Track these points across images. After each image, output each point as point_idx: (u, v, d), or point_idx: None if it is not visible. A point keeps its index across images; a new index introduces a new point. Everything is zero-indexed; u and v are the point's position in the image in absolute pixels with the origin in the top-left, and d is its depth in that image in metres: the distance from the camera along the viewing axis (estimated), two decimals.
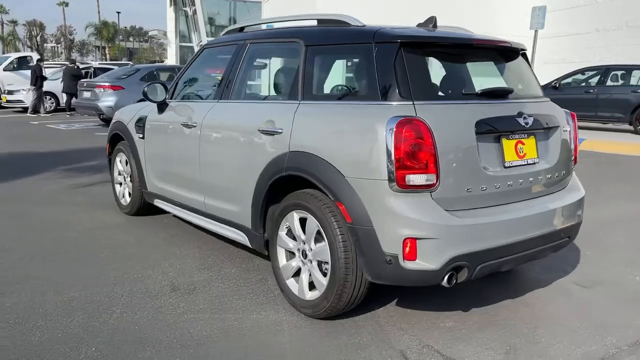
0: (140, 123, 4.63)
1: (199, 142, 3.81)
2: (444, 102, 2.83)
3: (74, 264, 3.80)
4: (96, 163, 7.91)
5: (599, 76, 12.83)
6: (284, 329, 2.89)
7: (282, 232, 3.15)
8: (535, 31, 12.42)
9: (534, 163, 3.01)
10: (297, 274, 3.11)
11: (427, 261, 2.57)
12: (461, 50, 3.12)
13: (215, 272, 3.69)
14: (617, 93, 12.30)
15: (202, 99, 4.21)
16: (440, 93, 3.02)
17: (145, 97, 4.26)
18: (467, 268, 2.65)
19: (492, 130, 2.80)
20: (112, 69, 16.94)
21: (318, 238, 2.91)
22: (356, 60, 3.16)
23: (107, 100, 12.48)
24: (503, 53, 3.19)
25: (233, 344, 2.72)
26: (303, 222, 3.00)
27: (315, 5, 18.50)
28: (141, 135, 4.62)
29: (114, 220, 4.93)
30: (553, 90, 12.52)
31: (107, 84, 12.69)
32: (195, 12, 31.61)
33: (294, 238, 3.10)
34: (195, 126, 3.85)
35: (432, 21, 3.17)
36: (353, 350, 2.67)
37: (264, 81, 3.89)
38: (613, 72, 12.68)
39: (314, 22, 3.35)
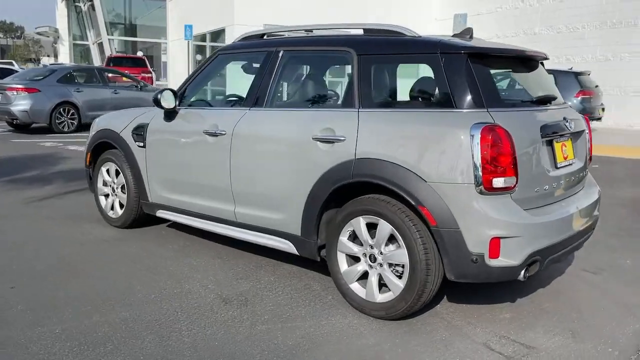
0: (140, 131, 4.42)
1: (229, 150, 3.73)
2: (513, 109, 3.06)
3: (95, 282, 3.56)
4: (37, 173, 7.33)
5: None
6: (363, 332, 2.96)
7: (344, 238, 3.21)
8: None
9: (572, 163, 3.34)
10: (360, 277, 3.18)
11: (510, 258, 2.78)
12: (515, 61, 3.37)
13: (255, 281, 3.64)
14: None
15: (223, 105, 4.12)
16: (505, 100, 3.24)
17: (157, 105, 4.10)
18: (539, 262, 2.89)
19: (550, 134, 3.07)
20: None
21: (389, 242, 3.02)
22: (419, 69, 3.29)
23: (21, 104, 11.51)
24: (537, 63, 3.49)
25: (326, 351, 2.75)
26: (369, 226, 3.09)
27: (234, 5, 18.33)
28: (141, 144, 4.41)
29: (107, 233, 4.65)
30: None
31: (20, 86, 11.68)
32: (91, 7, 29.83)
33: (357, 243, 3.17)
34: (223, 134, 3.76)
35: (469, 32, 3.38)
36: (442, 347, 2.81)
37: (307, 89, 3.87)
38: None
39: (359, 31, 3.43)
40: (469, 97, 2.86)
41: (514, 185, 2.80)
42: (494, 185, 2.74)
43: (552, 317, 3.19)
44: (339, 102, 3.37)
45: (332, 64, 3.69)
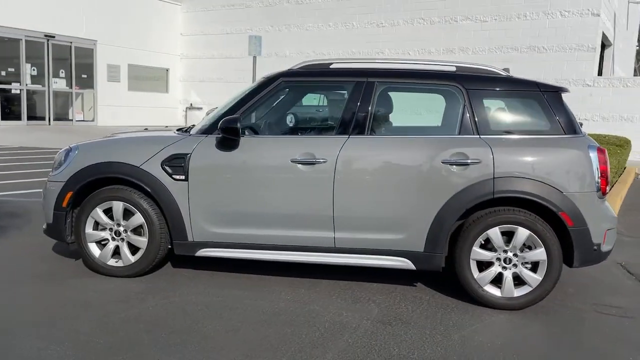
0: (178, 162, 3.89)
1: (332, 178, 3.73)
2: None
3: (197, 345, 3.17)
4: None
5: None
6: (523, 326, 3.51)
7: (476, 247, 3.68)
8: (254, 57, 13.91)
9: None
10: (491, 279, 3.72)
11: (609, 244, 3.75)
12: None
13: (375, 302, 3.74)
14: None
15: (308, 133, 4.01)
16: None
17: (228, 133, 3.75)
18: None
19: None
20: None
21: (523, 245, 3.65)
22: (522, 103, 3.91)
23: None
24: None
25: (527, 348, 3.24)
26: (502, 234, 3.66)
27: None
28: (181, 177, 3.89)
29: (123, 285, 3.88)
30: None
31: None
32: None
33: (488, 249, 3.69)
34: (323, 162, 3.74)
35: (508, 71, 4.25)
36: (579, 323, 3.60)
37: (409, 117, 4.06)
38: None
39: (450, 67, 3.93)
40: (571, 126, 3.73)
41: (608, 191, 3.79)
42: (605, 191, 3.68)
43: (610, 294, 4.30)
44: (456, 130, 3.78)
45: (440, 95, 4.00)
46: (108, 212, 4.02)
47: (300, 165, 3.78)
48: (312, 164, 3.77)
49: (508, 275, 3.69)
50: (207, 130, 3.99)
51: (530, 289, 3.67)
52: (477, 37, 15.53)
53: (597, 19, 14.07)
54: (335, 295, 3.86)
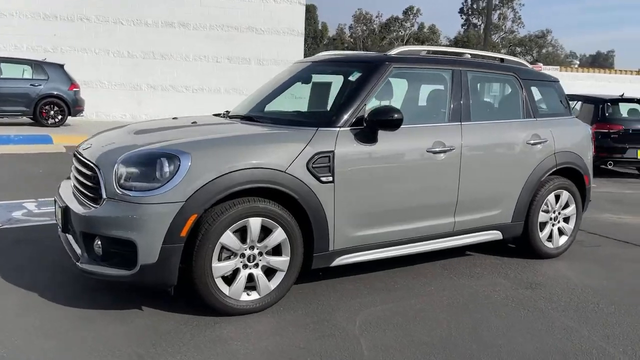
0: (323, 161, 3.31)
1: (458, 164, 3.86)
2: None
3: None
4: None
5: None
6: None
7: (542, 212, 4.46)
8: None
9: None
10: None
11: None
12: None
13: (502, 275, 4.11)
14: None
15: (424, 121, 3.88)
16: None
17: (386, 126, 3.42)
18: None
19: None
20: None
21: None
22: (547, 91, 4.71)
23: None
24: None
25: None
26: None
27: None
28: (328, 178, 3.33)
29: (264, 327, 3.14)
30: None
31: None
32: None
33: (546, 212, 4.51)
34: (452, 150, 3.82)
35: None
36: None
37: (493, 104, 4.22)
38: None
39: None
40: (570, 108, 4.86)
41: None
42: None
43: None
44: (521, 114, 4.33)
45: (504, 83, 4.33)
46: (250, 231, 3.11)
47: (434, 154, 3.76)
48: (444, 152, 3.80)
49: (554, 229, 4.61)
50: (333, 123, 3.47)
51: (566, 238, 4.69)
52: (198, 13, 15.40)
53: (303, 7, 15.93)
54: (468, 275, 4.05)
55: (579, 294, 3.79)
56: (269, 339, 2.90)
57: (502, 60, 4.59)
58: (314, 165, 3.27)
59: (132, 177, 2.97)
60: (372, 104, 3.69)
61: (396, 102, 3.87)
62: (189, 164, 2.94)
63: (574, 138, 4.70)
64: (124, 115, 15.19)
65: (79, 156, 3.44)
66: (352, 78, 3.78)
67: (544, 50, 68.66)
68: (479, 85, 4.33)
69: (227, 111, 4.40)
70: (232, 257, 3.10)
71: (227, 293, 3.09)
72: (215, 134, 3.41)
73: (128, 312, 3.11)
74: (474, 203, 4.06)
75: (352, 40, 57.39)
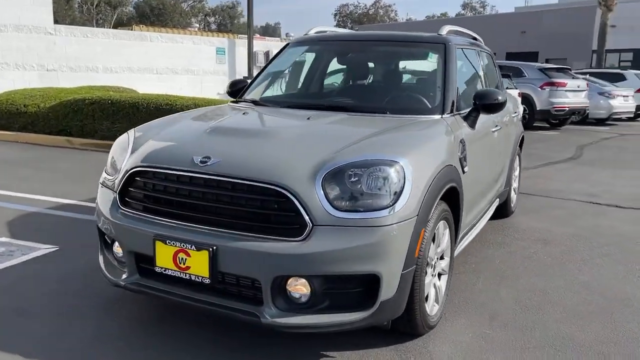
0: (463, 150, 3.11)
1: (503, 140, 4.16)
2: None
3: None
4: None
5: None
6: None
7: None
8: None
9: None
10: None
11: None
12: None
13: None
14: None
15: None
16: None
17: (491, 109, 3.38)
18: None
19: None
20: None
21: None
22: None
23: None
24: None
25: None
26: None
27: None
28: (465, 167, 3.14)
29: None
30: None
31: None
32: None
33: None
34: (500, 128, 4.01)
35: None
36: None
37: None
38: None
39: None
40: None
41: None
42: None
43: None
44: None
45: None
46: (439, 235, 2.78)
47: (494, 133, 3.87)
48: (496, 131, 3.94)
49: None
50: (445, 109, 3.25)
51: None
52: None
53: None
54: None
55: None
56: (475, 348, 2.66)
57: None
58: (460, 156, 3.04)
59: (352, 195, 2.29)
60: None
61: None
62: (412, 170, 2.42)
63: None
64: None
65: (207, 175, 2.41)
66: (430, 60, 3.56)
67: (236, 21, 72.05)
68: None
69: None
70: (428, 269, 2.69)
71: (427, 311, 2.69)
72: (372, 131, 2.80)
73: None
74: (492, 180, 4.23)
75: None
